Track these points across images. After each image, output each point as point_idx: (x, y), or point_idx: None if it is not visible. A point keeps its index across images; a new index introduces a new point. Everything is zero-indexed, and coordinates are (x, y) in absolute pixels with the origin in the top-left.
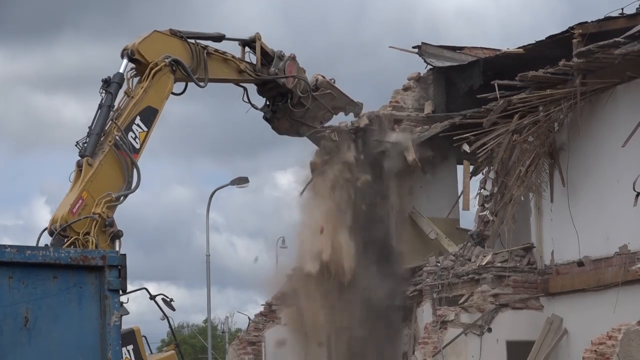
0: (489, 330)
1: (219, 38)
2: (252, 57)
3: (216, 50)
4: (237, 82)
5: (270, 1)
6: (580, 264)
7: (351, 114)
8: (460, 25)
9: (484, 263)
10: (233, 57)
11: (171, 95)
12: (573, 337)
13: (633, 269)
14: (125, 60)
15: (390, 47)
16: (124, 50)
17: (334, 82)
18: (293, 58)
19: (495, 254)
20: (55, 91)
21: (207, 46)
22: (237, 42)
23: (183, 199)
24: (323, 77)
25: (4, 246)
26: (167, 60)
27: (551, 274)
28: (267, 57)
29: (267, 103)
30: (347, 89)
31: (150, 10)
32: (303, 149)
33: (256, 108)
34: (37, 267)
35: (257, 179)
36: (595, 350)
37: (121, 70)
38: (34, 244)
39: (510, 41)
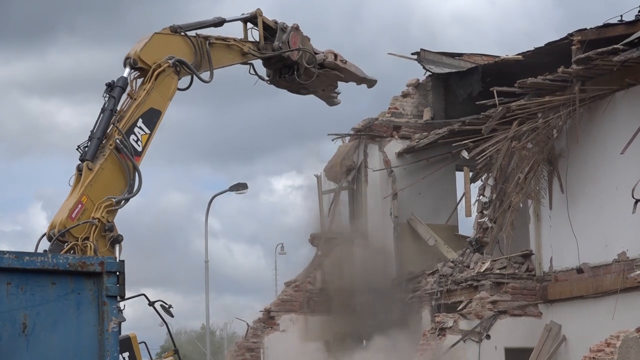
0: (488, 337)
1: (220, 23)
2: (254, 33)
3: (218, 38)
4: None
5: (266, 5)
6: (579, 270)
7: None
8: (456, 30)
9: (482, 270)
10: (235, 40)
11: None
12: (572, 344)
13: (632, 276)
14: (127, 69)
15: (389, 53)
16: (126, 59)
17: (345, 63)
18: (296, 28)
19: (494, 261)
20: (49, 95)
21: (208, 36)
22: (239, 22)
23: (180, 204)
24: (335, 55)
25: (3, 252)
26: (170, 62)
27: (550, 280)
28: (270, 30)
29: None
30: (344, 93)
31: (144, 14)
32: (299, 154)
33: (263, 79)
34: (35, 273)
35: (253, 185)
36: (593, 358)
37: (125, 75)
38: (31, 249)
39: (506, 46)
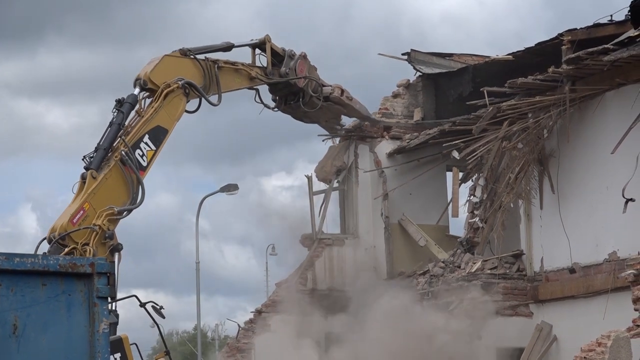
0: (479, 337)
1: (229, 48)
2: (262, 59)
3: (226, 62)
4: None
5: (255, 6)
6: (570, 270)
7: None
8: (446, 30)
9: (473, 270)
10: (243, 65)
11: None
12: (563, 344)
13: (622, 276)
14: (137, 89)
15: (379, 54)
16: (136, 80)
17: (351, 100)
18: (304, 57)
19: (485, 261)
20: (38, 96)
21: (217, 60)
22: (247, 47)
23: (170, 205)
24: (342, 91)
25: None
26: (180, 83)
27: (541, 280)
28: (277, 56)
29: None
30: None
31: (134, 16)
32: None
33: (269, 107)
34: (26, 275)
35: (242, 186)
36: (584, 357)
37: (135, 93)
38: (21, 251)
39: (496, 46)
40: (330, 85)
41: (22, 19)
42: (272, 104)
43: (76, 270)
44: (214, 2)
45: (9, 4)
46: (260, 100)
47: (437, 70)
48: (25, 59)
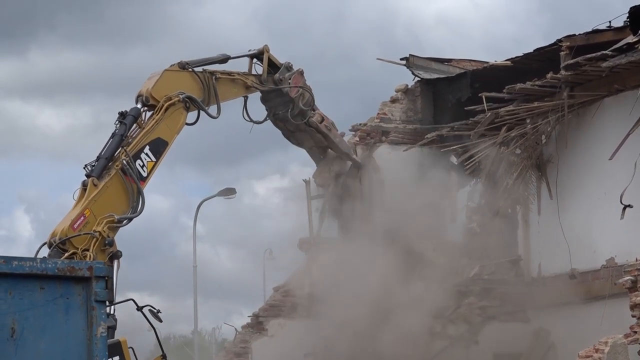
0: (476, 342)
1: (225, 60)
2: (259, 68)
3: (223, 72)
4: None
5: (250, 7)
6: (569, 276)
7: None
8: (441, 33)
9: (471, 275)
10: (239, 74)
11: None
12: (560, 350)
13: (620, 282)
14: (139, 105)
15: (378, 59)
16: (138, 96)
17: (330, 131)
18: (301, 72)
19: (483, 266)
20: (30, 96)
21: (214, 72)
22: (246, 57)
23: (165, 208)
24: (322, 118)
25: None
26: (181, 97)
27: (538, 286)
28: (275, 68)
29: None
30: (330, 96)
31: (127, 16)
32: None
33: (258, 123)
34: (24, 278)
35: (238, 189)
36: None
37: (138, 106)
38: (17, 253)
39: (492, 49)
40: (314, 110)
41: (14, 17)
42: (262, 117)
43: (74, 274)
44: (208, 3)
45: (0, 3)
46: (247, 114)
47: (435, 76)
48: (17, 59)
